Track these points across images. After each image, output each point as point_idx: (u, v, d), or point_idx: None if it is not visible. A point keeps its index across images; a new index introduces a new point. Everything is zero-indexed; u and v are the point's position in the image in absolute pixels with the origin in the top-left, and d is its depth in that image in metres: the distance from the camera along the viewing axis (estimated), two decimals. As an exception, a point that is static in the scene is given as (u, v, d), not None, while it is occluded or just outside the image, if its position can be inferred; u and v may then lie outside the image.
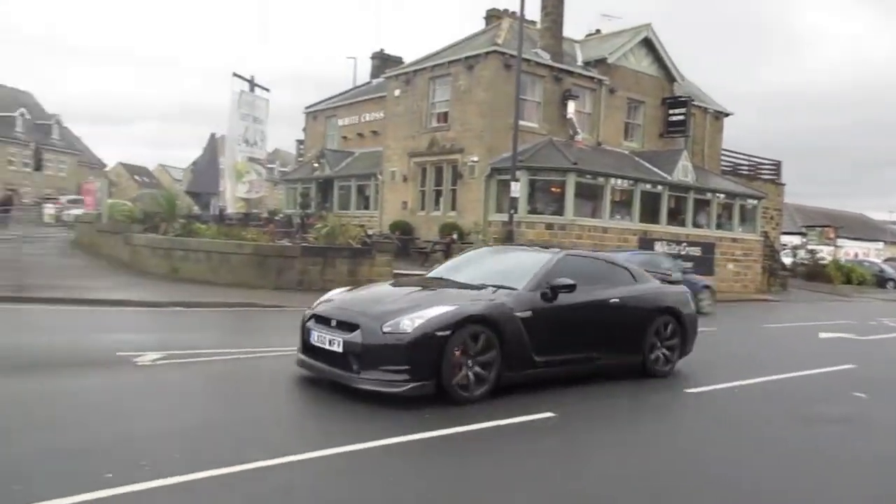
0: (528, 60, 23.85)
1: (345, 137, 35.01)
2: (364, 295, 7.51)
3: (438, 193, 26.91)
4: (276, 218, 28.11)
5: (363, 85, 37.57)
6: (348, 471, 4.76)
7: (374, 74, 36.49)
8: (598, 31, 32.56)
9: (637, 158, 27.65)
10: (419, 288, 7.65)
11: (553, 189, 24.30)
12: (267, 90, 22.99)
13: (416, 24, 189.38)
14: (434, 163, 26.88)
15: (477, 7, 64.50)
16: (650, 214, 26.01)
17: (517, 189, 21.03)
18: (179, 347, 8.79)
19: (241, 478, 4.43)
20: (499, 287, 7.33)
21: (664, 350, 8.62)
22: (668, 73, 29.85)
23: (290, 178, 37.63)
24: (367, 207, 30.73)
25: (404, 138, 27.85)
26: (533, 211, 23.91)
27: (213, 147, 26.05)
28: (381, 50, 37.57)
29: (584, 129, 27.00)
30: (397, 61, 34.21)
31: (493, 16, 31.16)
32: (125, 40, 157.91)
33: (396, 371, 6.23)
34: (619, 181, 25.18)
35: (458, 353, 6.41)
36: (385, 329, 6.35)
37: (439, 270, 8.78)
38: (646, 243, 25.24)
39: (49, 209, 38.80)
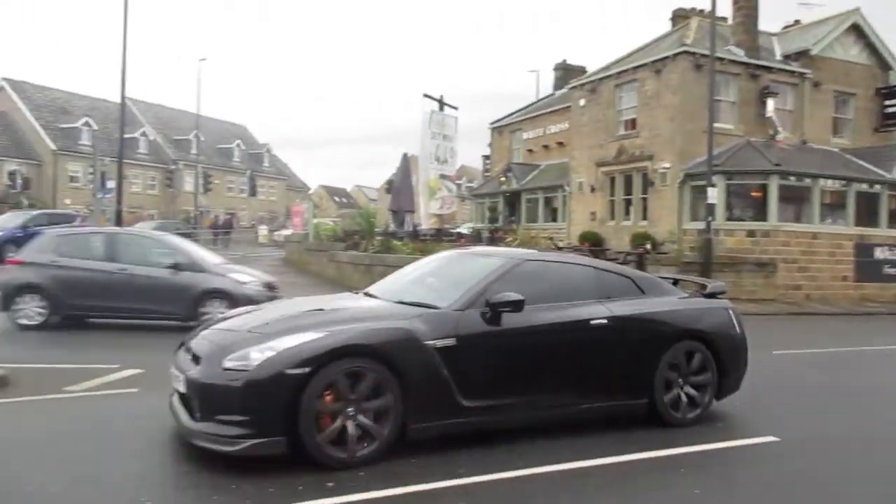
0: (720, 59, 22.68)
1: (530, 150, 35.24)
2: (253, 315, 5.91)
3: (628, 202, 26.27)
4: (466, 233, 28.86)
5: (546, 97, 37.69)
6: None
7: (558, 86, 36.51)
8: (796, 21, 30.30)
9: (848, 156, 25.31)
10: (318, 308, 5.87)
11: (753, 193, 22.88)
12: (455, 108, 23.84)
13: (599, 32, 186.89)
14: (623, 171, 26.30)
15: (662, 9, 62.62)
16: (867, 217, 23.68)
17: (714, 195, 20.02)
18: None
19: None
20: (418, 305, 5.62)
21: (688, 389, 6.29)
22: (881, 61, 27.11)
23: (478, 193, 38.46)
24: (554, 219, 30.66)
25: (591, 148, 27.52)
26: (731, 217, 22.68)
27: (406, 166, 27.23)
28: (564, 61, 37.52)
29: (785, 128, 25.17)
30: (580, 71, 33.98)
31: (679, 16, 30.02)
32: (321, 71, 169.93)
33: (231, 423, 4.69)
34: (830, 182, 23.21)
35: (328, 398, 4.82)
36: (227, 364, 4.85)
37: (379, 284, 6.99)
38: (864, 249, 23.02)
39: (263, 230, 42.50)
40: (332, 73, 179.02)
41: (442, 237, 22.17)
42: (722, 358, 6.48)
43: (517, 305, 5.44)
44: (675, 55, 24.08)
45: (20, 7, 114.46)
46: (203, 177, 46.38)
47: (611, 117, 26.78)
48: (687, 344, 6.34)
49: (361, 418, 4.89)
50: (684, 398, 6.25)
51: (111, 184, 31.88)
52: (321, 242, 23.94)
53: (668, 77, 24.34)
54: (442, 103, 22.58)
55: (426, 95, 22.33)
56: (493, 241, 24.01)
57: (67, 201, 45.68)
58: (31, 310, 11.21)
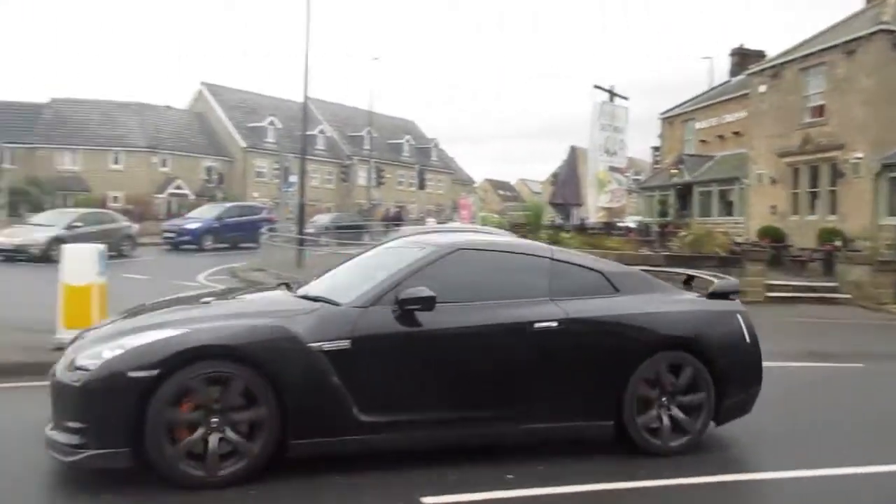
0: (927, 36, 20.59)
1: (703, 141, 33.75)
2: (154, 305, 5.30)
3: (814, 195, 24.51)
4: (634, 226, 28.21)
5: (721, 84, 35.93)
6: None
7: (734, 72, 34.69)
8: None
9: None
10: (206, 301, 5.37)
11: (964, 185, 20.62)
12: (626, 98, 23.33)
13: (778, 14, 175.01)
14: (808, 162, 24.57)
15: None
16: None
17: (916, 187, 18.24)
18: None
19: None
20: (321, 301, 4.85)
21: (672, 411, 5.12)
22: None
23: (647, 185, 37.40)
24: (729, 214, 29.22)
25: (772, 137, 25.93)
26: (937, 212, 20.56)
27: (573, 159, 27.01)
28: (741, 45, 35.55)
29: None
30: (759, 56, 32.04)
31: (876, -9, 27.50)
32: (487, 67, 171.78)
33: (72, 430, 4.13)
34: None
35: (183, 406, 4.19)
36: (79, 361, 4.27)
37: (323, 277, 5.73)
38: None
39: (431, 222, 43.74)
40: (497, 69, 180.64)
41: (610, 231, 21.80)
42: (722, 373, 5.22)
43: (427, 303, 4.57)
44: (871, 34, 22.12)
45: (211, 14, 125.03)
46: (376, 171, 48.51)
47: (795, 104, 25.07)
48: (671, 355, 5.15)
49: (228, 432, 4.23)
50: (666, 421, 5.09)
51: (293, 178, 34.12)
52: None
53: (862, 59, 22.42)
54: (612, 94, 22.19)
55: (596, 86, 22.05)
56: (662, 235, 23.29)
57: (255, 194, 49.35)
58: None
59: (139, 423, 4.07)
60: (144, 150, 49.90)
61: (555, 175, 36.50)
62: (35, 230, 21.18)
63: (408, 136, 68.93)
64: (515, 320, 4.90)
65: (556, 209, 27.87)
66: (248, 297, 5.48)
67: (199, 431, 4.19)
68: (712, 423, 5.32)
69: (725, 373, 5.24)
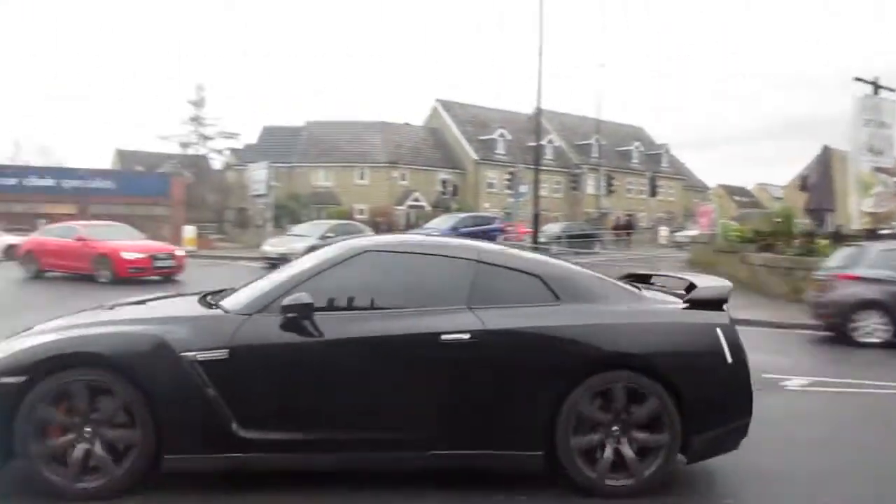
0: None
1: None
2: (103, 311, 5.09)
3: None
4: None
5: None
6: None
7: None
8: None
9: None
10: (134, 304, 5.27)
11: None
12: (893, 90, 20.74)
13: None
14: None
15: None
16: None
17: None
18: (825, 375, 8.52)
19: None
20: (219, 308, 4.54)
21: (624, 445, 4.30)
22: None
23: (917, 186, 33.01)
24: None
25: None
26: None
27: (826, 161, 24.65)
28: None
29: None
30: None
31: None
32: (720, 66, 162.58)
33: None
34: None
35: (57, 415, 4.09)
36: None
37: (250, 284, 5.12)
38: None
39: (663, 231, 42.18)
40: (731, 67, 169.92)
41: (875, 239, 19.48)
42: (691, 400, 4.31)
43: (303, 310, 4.18)
44: None
45: (444, 33, 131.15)
46: (605, 179, 47.84)
47: None
48: (618, 375, 4.33)
49: (99, 442, 4.09)
50: (614, 457, 4.30)
51: (523, 188, 34.78)
52: (730, 244, 22.83)
53: None
54: (877, 86, 19.81)
55: (857, 79, 19.81)
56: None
57: (486, 205, 50.91)
58: (871, 326, 10.97)
59: (7, 430, 4.02)
60: (386, 165, 53.70)
61: (803, 178, 33.55)
62: (294, 240, 23.57)
63: (637, 143, 67.26)
64: (419, 331, 4.31)
65: (808, 215, 25.63)
66: (155, 303, 5.30)
67: (71, 440, 4.11)
68: (682, 457, 4.50)
69: (696, 399, 4.35)
